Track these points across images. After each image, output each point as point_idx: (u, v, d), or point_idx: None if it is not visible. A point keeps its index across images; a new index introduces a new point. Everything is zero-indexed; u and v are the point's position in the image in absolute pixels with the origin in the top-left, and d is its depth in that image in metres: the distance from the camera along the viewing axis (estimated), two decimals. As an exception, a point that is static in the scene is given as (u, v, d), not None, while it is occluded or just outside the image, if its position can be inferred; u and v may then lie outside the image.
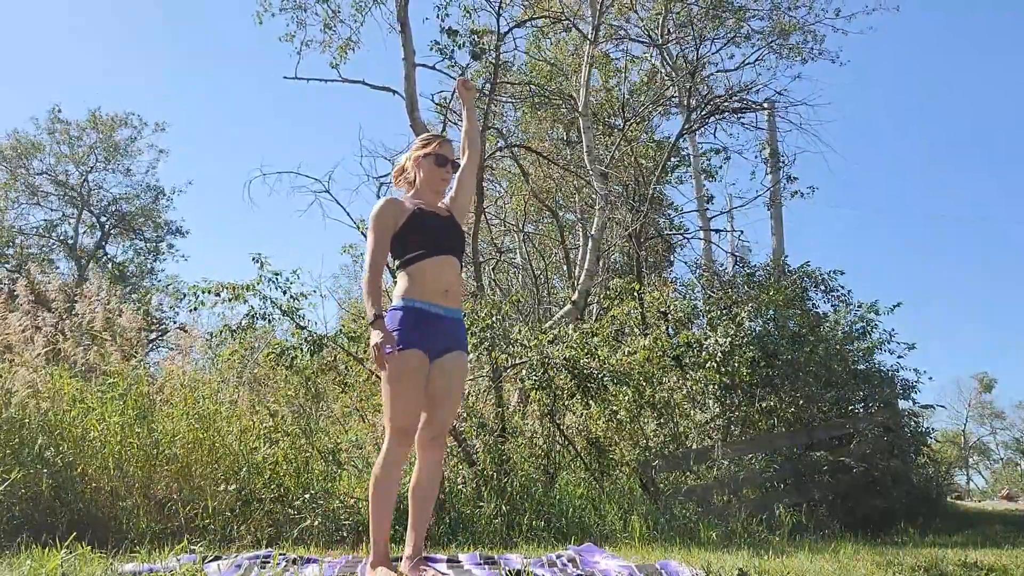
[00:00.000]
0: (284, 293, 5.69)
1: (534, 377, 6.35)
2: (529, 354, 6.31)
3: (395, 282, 3.21)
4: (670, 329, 8.26)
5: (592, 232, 10.11)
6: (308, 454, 5.26)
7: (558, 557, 3.68)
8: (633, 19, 12.21)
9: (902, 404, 8.64)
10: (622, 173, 12.51)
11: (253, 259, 5.57)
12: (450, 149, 3.30)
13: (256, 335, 6.54)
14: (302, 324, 5.84)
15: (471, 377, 6.67)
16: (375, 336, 2.85)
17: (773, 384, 7.49)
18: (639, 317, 7.95)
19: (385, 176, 12.16)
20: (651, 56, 12.79)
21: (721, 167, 13.48)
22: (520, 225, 14.60)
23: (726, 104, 11.52)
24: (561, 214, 13.70)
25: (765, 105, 11.68)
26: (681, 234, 13.28)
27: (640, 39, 12.33)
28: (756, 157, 12.27)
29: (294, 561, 3.45)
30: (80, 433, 4.70)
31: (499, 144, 12.02)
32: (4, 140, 21.29)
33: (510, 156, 12.60)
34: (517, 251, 15.77)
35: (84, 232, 22.85)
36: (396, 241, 3.09)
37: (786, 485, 7.03)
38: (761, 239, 13.98)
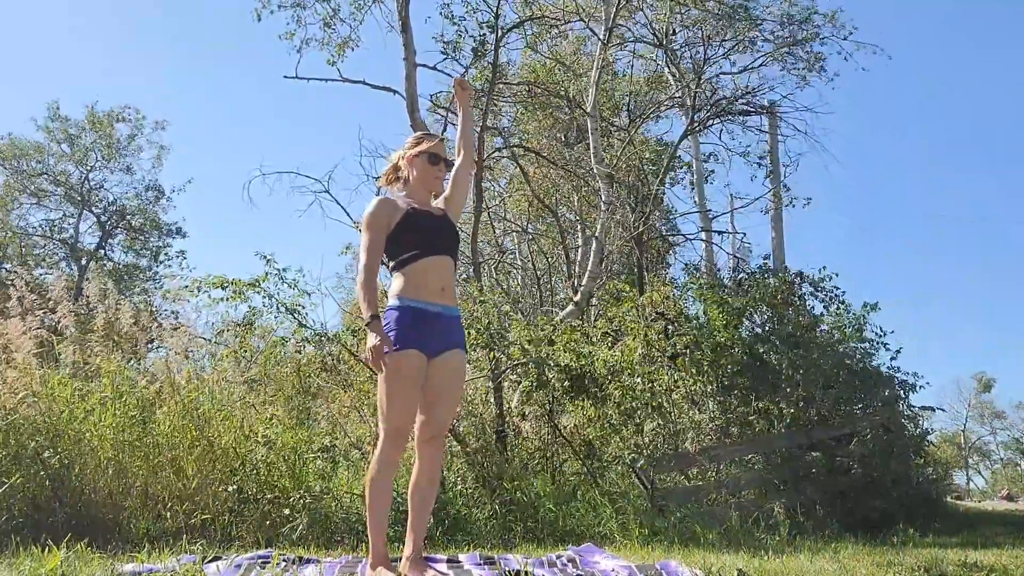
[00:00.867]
0: (291, 287, 5.70)
1: (531, 378, 6.35)
2: (527, 355, 6.30)
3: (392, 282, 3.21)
4: (668, 329, 8.26)
5: (596, 234, 10.10)
6: (306, 454, 5.26)
7: (558, 557, 3.69)
8: (639, 20, 12.22)
9: (900, 405, 8.63)
10: (625, 175, 12.50)
11: (262, 256, 5.59)
12: (443, 147, 3.30)
13: (256, 335, 6.53)
14: (304, 323, 5.84)
15: (470, 377, 6.67)
16: (372, 338, 2.84)
17: (768, 384, 7.50)
18: (637, 317, 7.95)
19: (385, 176, 12.15)
20: (656, 57, 12.81)
21: (716, 170, 13.48)
22: (522, 225, 14.59)
23: (730, 106, 11.53)
24: (560, 212, 13.69)
25: (769, 109, 11.69)
26: (683, 235, 13.30)
27: (645, 39, 12.34)
28: (759, 162, 12.25)
29: (293, 561, 3.46)
30: (78, 434, 4.69)
31: (497, 143, 12.01)
32: (2, 141, 21.28)
33: (510, 157, 12.59)
34: (516, 251, 15.77)
35: (85, 231, 22.86)
36: (390, 241, 3.08)
37: (785, 486, 7.03)
38: (761, 241, 13.97)
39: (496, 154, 12.34)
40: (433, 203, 3.29)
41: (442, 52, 9.62)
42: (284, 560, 3.46)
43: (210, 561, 3.40)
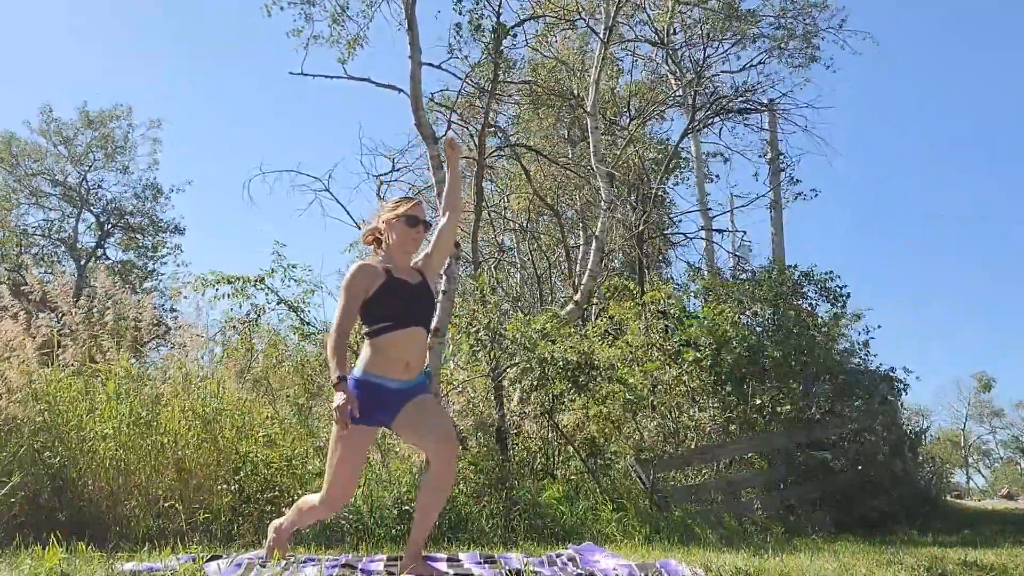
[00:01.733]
0: (298, 284, 5.74)
1: (530, 377, 6.34)
2: (526, 354, 6.29)
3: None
4: (668, 327, 8.27)
5: (596, 233, 10.09)
6: (306, 455, 5.26)
7: (558, 556, 3.69)
8: (640, 18, 12.22)
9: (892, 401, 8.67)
10: (626, 173, 12.50)
11: (276, 244, 5.62)
12: (421, 209, 3.32)
13: (258, 333, 6.54)
14: (306, 319, 5.86)
15: (470, 377, 6.67)
16: (338, 397, 2.91)
17: (766, 381, 7.50)
18: (637, 315, 7.96)
19: (385, 174, 12.16)
20: (656, 56, 12.80)
21: (718, 169, 13.49)
22: (523, 225, 14.58)
23: (731, 104, 11.52)
24: (561, 210, 13.68)
25: (769, 106, 11.69)
26: (683, 234, 13.29)
27: (646, 38, 12.34)
28: (760, 158, 12.25)
29: (293, 561, 3.46)
30: (80, 434, 4.69)
31: (497, 142, 12.00)
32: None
33: (511, 156, 12.58)
34: (516, 250, 15.75)
35: (84, 231, 22.86)
36: (365, 309, 3.12)
37: (784, 485, 7.03)
38: (762, 240, 13.94)
39: (497, 152, 12.33)
40: (413, 260, 3.33)
41: (448, 51, 9.63)
42: (284, 559, 3.46)
43: (210, 560, 3.40)
